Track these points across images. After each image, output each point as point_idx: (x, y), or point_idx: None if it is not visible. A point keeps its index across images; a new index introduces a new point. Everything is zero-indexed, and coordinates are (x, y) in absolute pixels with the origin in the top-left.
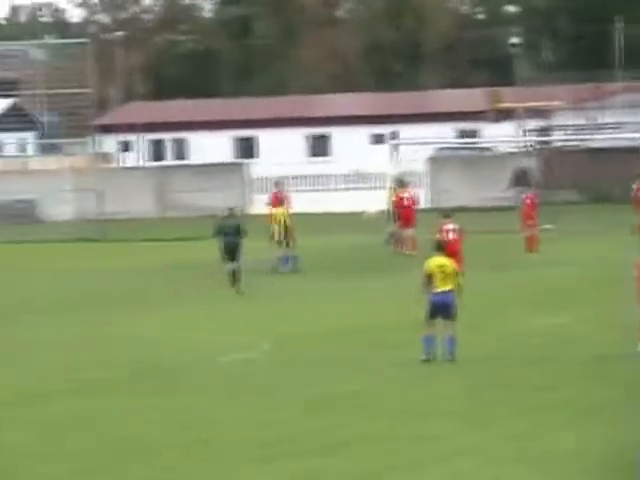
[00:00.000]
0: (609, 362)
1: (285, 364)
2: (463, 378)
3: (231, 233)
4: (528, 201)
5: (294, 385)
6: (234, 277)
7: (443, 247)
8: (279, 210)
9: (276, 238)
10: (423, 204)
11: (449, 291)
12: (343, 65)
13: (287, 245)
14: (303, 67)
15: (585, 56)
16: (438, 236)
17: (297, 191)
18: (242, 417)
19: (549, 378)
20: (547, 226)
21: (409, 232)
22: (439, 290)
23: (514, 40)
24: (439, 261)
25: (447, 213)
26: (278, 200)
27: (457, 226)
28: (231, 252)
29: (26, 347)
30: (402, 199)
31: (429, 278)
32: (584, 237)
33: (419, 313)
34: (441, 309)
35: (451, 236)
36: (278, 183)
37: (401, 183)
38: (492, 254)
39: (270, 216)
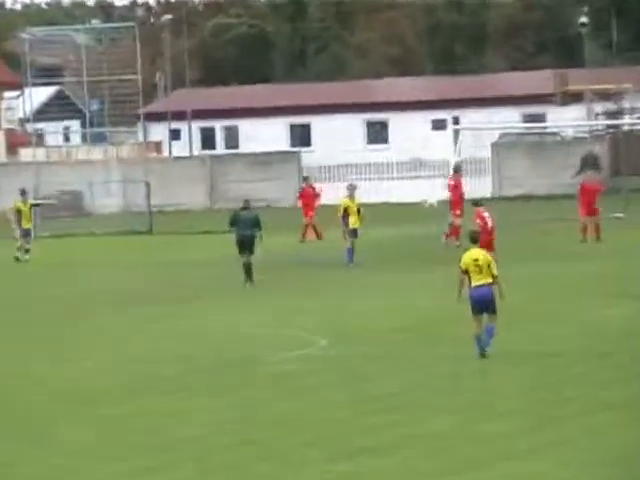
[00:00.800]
0: None
1: (341, 360)
2: (522, 374)
3: (246, 226)
4: (579, 187)
5: (349, 382)
6: (250, 271)
7: (477, 239)
8: (346, 201)
9: (350, 227)
10: (489, 192)
11: (486, 284)
12: (403, 48)
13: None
14: (361, 51)
15: None
16: (479, 222)
17: (355, 180)
18: (294, 416)
19: (614, 374)
20: (618, 214)
21: (457, 221)
22: (476, 284)
23: (583, 20)
24: (474, 254)
25: (478, 201)
26: (309, 195)
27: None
28: (245, 245)
29: (77, 344)
30: (449, 186)
31: (465, 273)
32: None
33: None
34: (482, 303)
35: (490, 224)
36: (307, 178)
37: (455, 169)
38: (557, 243)
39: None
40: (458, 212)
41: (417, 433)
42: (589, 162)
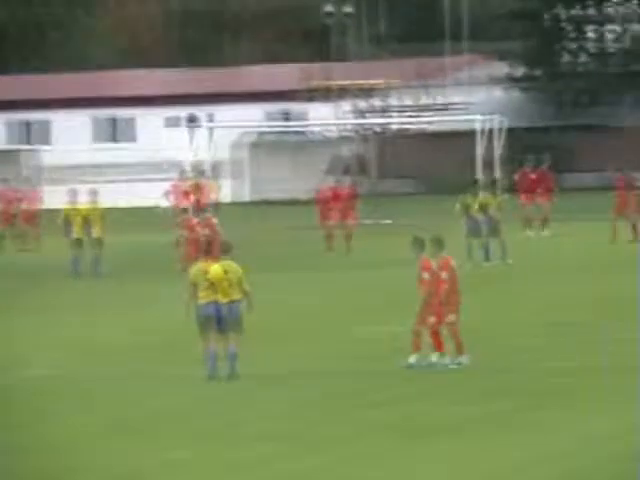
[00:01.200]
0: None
1: (82, 382)
2: (288, 395)
3: None
4: (321, 195)
5: (89, 406)
6: None
7: (228, 250)
8: (83, 206)
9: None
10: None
11: (236, 301)
12: (137, 37)
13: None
14: (93, 39)
15: (422, 27)
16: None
17: (81, 182)
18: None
19: (383, 393)
20: (385, 220)
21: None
22: (224, 300)
23: (329, 9)
24: (225, 267)
25: (206, 209)
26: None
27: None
28: None
29: None
30: (171, 192)
31: (196, 286)
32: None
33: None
34: (225, 321)
35: (200, 232)
36: (27, 179)
37: (182, 173)
38: (309, 252)
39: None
40: (181, 221)
41: (168, 462)
42: (337, 166)
